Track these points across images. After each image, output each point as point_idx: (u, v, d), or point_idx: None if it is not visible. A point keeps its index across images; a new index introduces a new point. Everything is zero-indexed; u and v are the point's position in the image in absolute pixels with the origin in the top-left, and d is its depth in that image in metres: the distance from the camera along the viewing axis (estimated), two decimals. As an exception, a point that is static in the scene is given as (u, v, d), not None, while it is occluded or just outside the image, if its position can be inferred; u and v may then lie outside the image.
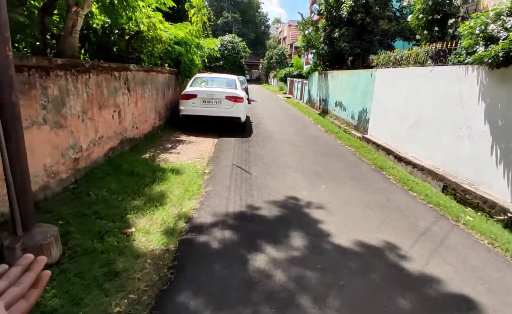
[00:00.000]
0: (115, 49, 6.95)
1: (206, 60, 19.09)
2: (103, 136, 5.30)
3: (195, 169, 5.58)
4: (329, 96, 15.98)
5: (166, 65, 10.15)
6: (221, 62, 21.32)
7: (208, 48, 12.20)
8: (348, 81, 12.92)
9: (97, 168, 4.99)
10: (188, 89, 9.02)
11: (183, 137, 8.32)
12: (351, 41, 15.06)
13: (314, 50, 18.40)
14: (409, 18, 9.71)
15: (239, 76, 20.87)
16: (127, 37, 6.83)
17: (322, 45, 17.37)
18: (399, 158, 7.37)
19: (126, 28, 6.70)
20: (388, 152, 7.92)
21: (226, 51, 21.40)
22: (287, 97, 26.19)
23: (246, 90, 18.97)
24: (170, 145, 7.34)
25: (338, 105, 14.11)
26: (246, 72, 53.61)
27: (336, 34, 15.89)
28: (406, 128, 7.52)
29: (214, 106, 8.72)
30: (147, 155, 6.27)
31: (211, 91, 8.77)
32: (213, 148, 7.30)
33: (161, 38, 7.86)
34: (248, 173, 5.62)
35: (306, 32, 18.19)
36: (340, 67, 17.41)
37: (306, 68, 27.47)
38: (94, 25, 6.24)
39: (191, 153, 6.80)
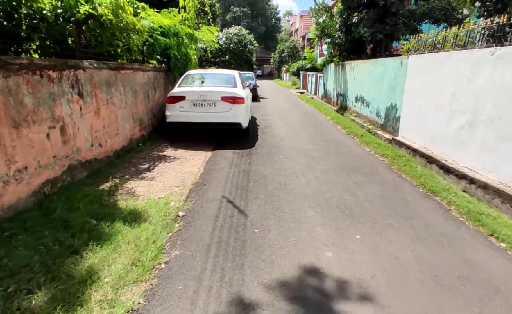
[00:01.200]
0: (70, 41, 5.25)
1: (210, 55, 17.38)
2: (28, 166, 3.59)
3: (165, 209, 3.80)
4: (347, 90, 14.01)
5: (155, 61, 8.41)
6: (227, 56, 19.48)
7: (205, 40, 10.37)
8: (371, 72, 10.92)
9: (12, 219, 3.28)
10: (175, 89, 7.26)
11: (168, 152, 6.57)
12: (372, 25, 13.05)
13: (329, 40, 16.43)
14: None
15: (246, 72, 19.06)
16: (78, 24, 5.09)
17: (338, 33, 15.42)
18: (446, 169, 5.50)
19: (82, 11, 4.97)
20: (430, 159, 6.03)
21: (232, 45, 19.55)
22: (301, 92, 24.21)
23: (254, 87, 17.13)
24: (146, 166, 5.60)
25: (359, 100, 12.15)
26: (256, 67, 51.72)
27: (354, 19, 13.88)
28: (454, 130, 5.63)
29: (207, 109, 6.93)
30: (108, 185, 4.53)
31: (203, 91, 6.98)
32: (202, 168, 5.51)
33: (134, 26, 6.11)
34: (243, 214, 3.80)
35: (320, 19, 16.22)
36: (359, 56, 15.45)
37: (320, 60, 25.40)
38: (44, 11, 4.56)
39: (171, 177, 5.03)
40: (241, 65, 19.96)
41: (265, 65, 68.80)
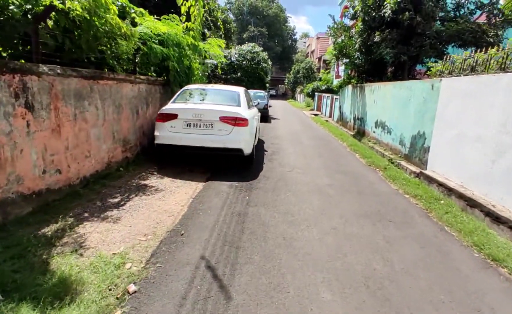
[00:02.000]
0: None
1: (220, 71, 16.48)
2: None
3: (113, 277, 2.60)
4: (366, 114, 12.82)
5: (151, 73, 7.41)
6: (239, 73, 18.56)
7: (212, 53, 9.36)
8: (394, 95, 9.76)
9: None
10: (167, 106, 6.17)
11: (152, 180, 5.43)
12: (395, 46, 11.93)
13: (347, 60, 15.36)
14: (502, 1, 6.47)
15: (258, 91, 18.06)
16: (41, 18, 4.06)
17: (357, 53, 14.34)
18: (495, 218, 4.37)
19: (44, 2, 3.96)
20: (471, 202, 4.84)
21: (245, 62, 18.65)
22: (315, 114, 23.06)
23: (265, 107, 16.06)
24: (117, 199, 4.45)
25: (379, 126, 10.93)
26: (270, 87, 51.19)
27: (376, 38, 12.76)
28: (505, 168, 4.40)
29: (202, 131, 5.80)
30: (54, 227, 3.39)
31: (199, 109, 5.86)
32: (185, 207, 4.31)
33: (120, 29, 5.11)
34: (225, 295, 2.55)
35: (339, 39, 15.23)
36: (379, 79, 14.31)
37: (336, 82, 24.34)
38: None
39: (142, 219, 3.85)
40: (253, 83, 19.01)
41: (279, 85, 68.31)
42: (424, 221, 4.45)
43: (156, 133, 5.94)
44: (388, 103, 10.11)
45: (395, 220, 4.37)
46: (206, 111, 5.81)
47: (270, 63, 21.01)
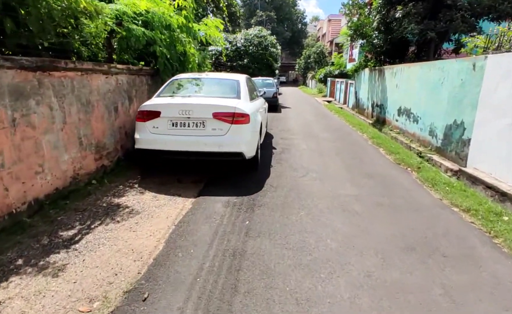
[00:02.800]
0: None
1: (225, 58, 15.19)
2: None
3: None
4: (387, 100, 11.45)
5: (132, 60, 6.22)
6: (245, 60, 17.19)
7: (208, 35, 8.05)
8: (421, 78, 8.43)
9: None
10: (148, 101, 4.98)
11: (129, 196, 4.28)
12: (421, 22, 10.45)
13: (363, 41, 13.87)
14: None
15: (266, 78, 16.69)
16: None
17: (376, 32, 12.85)
18: None
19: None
20: None
21: (251, 47, 17.24)
22: (328, 101, 21.60)
23: (274, 96, 14.74)
24: (74, 230, 3.33)
25: (403, 114, 9.61)
26: (280, 74, 49.42)
27: (397, 14, 11.26)
28: None
29: (192, 132, 4.60)
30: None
31: (187, 104, 4.65)
32: (161, 243, 3.16)
33: (78, 3, 3.93)
34: None
35: (354, 18, 13.75)
36: (400, 60, 12.87)
37: (350, 65, 22.71)
38: None
39: (98, 267, 2.71)
40: (261, 69, 17.64)
41: (290, 72, 66.40)
42: (492, 254, 3.18)
43: (136, 135, 4.78)
44: (414, 87, 8.77)
45: (451, 254, 3.12)
46: (196, 107, 4.60)
47: (279, 48, 19.54)
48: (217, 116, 4.56)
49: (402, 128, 9.56)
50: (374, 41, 13.01)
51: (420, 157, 7.13)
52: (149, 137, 4.65)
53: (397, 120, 10.20)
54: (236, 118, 4.62)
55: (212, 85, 5.62)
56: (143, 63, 6.68)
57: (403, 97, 9.66)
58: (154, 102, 4.85)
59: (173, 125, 4.61)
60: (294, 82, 61.05)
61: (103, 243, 3.13)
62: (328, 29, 45.12)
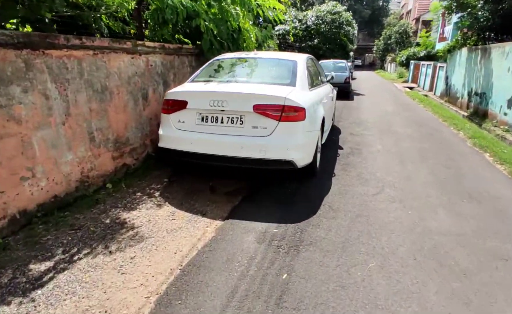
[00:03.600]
0: None
1: (292, 38, 13.73)
2: None
3: None
4: (491, 88, 9.06)
5: (169, 37, 5.25)
6: (316, 40, 15.45)
7: (266, 7, 6.73)
8: None
9: None
10: (176, 88, 3.95)
11: (142, 210, 3.34)
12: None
13: (462, 15, 11.27)
14: None
15: (338, 61, 14.79)
16: None
17: (481, 1, 10.25)
18: None
19: None
20: None
21: (323, 25, 15.41)
22: (409, 88, 18.80)
23: (346, 81, 12.93)
24: (51, 262, 2.46)
25: (520, 107, 7.31)
26: (355, 56, 45.67)
27: (517, -25, 8.69)
28: None
29: (226, 130, 3.46)
30: None
31: (220, 92, 3.52)
32: (152, 299, 2.11)
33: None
34: None
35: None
36: (512, 38, 10.13)
37: (440, 46, 19.41)
38: None
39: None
40: (333, 51, 15.76)
41: (366, 55, 61.54)
42: None
43: (160, 130, 3.82)
44: None
45: None
46: (232, 96, 3.43)
47: (355, 26, 17.32)
48: (260, 109, 3.34)
49: (517, 126, 7.34)
50: (478, 13, 10.39)
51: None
52: (173, 133, 3.64)
53: (505, 114, 7.93)
54: (287, 112, 3.35)
55: (260, 67, 4.37)
56: (189, 41, 5.73)
57: (521, 84, 7.37)
58: (180, 89, 3.80)
59: (202, 120, 3.53)
60: (371, 66, 56.32)
61: (74, 291, 2.19)
62: (415, 4, 39.98)
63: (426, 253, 2.70)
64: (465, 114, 10.13)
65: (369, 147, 5.99)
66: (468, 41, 11.93)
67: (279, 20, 6.99)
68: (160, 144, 3.79)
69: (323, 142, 4.75)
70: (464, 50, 11.81)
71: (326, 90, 5.34)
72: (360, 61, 55.71)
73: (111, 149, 3.89)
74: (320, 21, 15.47)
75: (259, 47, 8.28)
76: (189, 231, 2.98)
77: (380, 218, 3.28)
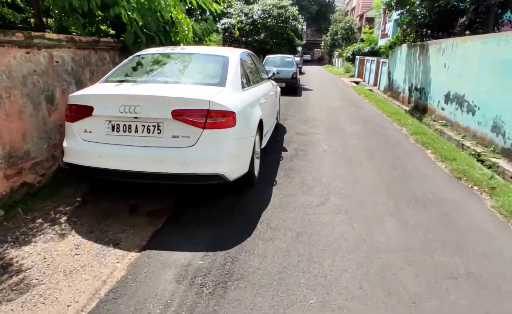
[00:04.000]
0: None
1: (238, 32, 13.25)
2: None
3: None
4: (429, 83, 9.36)
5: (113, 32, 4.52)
6: (262, 35, 15.13)
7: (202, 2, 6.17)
8: (483, 57, 6.42)
9: None
10: (81, 91, 3.31)
11: (39, 245, 2.68)
12: (480, -16, 8.22)
13: (402, 11, 11.64)
14: None
15: (285, 56, 14.57)
16: None
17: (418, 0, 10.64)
18: None
19: None
20: None
21: (270, 19, 15.13)
22: (355, 82, 19.26)
23: (293, 76, 12.75)
24: None
25: (452, 101, 7.66)
26: (304, 52, 46.40)
27: (450, -25, 9.02)
28: None
29: (141, 140, 2.90)
30: None
31: (133, 95, 2.95)
32: None
33: None
34: None
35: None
36: (447, 34, 10.67)
37: (382, 42, 20.10)
38: None
39: None
40: (280, 45, 15.56)
41: (315, 50, 62.91)
42: None
43: (64, 142, 3.15)
44: (471, 69, 6.77)
45: None
46: (146, 100, 2.87)
47: (302, 21, 17.30)
48: (180, 115, 2.82)
49: (451, 119, 7.56)
50: (416, 11, 10.72)
51: (479, 161, 5.25)
52: (78, 146, 3.00)
53: (443, 109, 8.18)
54: (213, 118, 2.87)
55: (186, 64, 3.84)
56: (113, 33, 5.01)
57: (454, 80, 7.62)
58: (85, 91, 3.16)
59: (113, 129, 2.92)
60: (319, 61, 57.72)
61: None
62: (358, 2, 41.49)
63: (372, 279, 2.39)
64: (407, 108, 10.40)
65: (315, 147, 5.72)
66: (407, 38, 12.31)
67: (215, 10, 6.45)
68: (65, 159, 3.12)
69: (263, 146, 4.35)
70: (404, 47, 12.17)
71: (266, 88, 4.94)
72: (309, 56, 56.80)
73: (1, 166, 3.14)
74: (267, 15, 15.17)
75: (200, 41, 7.71)
76: (94, 270, 2.40)
77: (324, 236, 2.93)
